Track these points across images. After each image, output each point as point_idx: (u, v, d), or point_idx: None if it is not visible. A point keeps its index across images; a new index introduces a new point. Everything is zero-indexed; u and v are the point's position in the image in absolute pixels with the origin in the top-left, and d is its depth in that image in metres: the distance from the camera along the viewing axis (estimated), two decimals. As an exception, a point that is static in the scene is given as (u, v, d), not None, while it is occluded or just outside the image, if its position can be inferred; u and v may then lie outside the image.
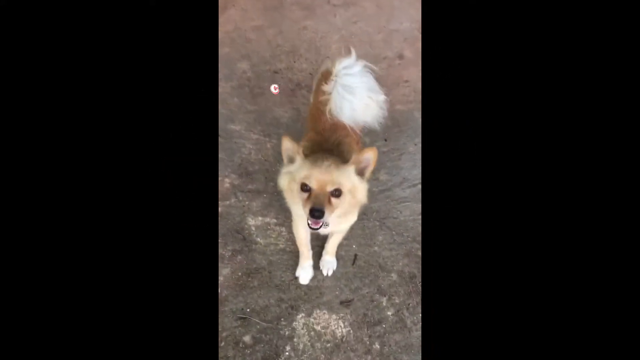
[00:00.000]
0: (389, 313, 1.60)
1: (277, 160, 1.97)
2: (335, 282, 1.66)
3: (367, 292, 1.64)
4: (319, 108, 1.51)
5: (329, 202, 1.16)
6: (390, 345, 1.53)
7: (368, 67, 1.51)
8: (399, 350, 1.52)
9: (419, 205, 1.86)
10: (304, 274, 1.64)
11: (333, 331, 1.56)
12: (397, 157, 2.03)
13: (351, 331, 1.56)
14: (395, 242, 1.77)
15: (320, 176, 1.15)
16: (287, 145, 1.24)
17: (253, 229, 1.78)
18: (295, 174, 1.21)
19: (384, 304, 1.62)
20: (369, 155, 1.18)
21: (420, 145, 2.02)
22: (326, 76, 1.52)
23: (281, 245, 1.75)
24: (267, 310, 1.59)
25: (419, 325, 1.56)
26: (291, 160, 1.25)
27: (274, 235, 1.77)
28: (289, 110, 2.17)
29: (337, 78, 1.47)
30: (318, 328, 1.56)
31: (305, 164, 1.20)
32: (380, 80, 1.56)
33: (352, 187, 1.20)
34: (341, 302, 1.62)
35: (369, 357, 1.51)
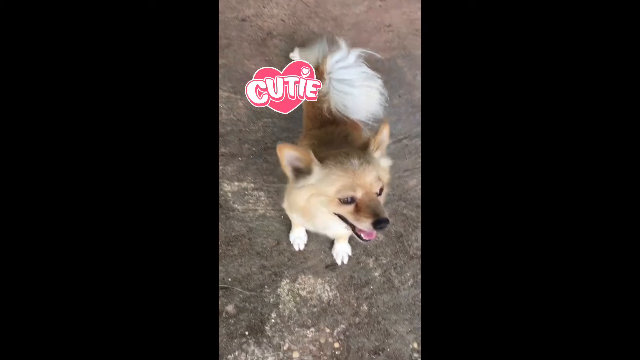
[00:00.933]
0: (376, 274, 1.56)
1: (250, 122, 1.82)
2: (319, 246, 1.60)
3: (352, 255, 1.58)
4: (315, 106, 1.33)
5: None
6: (378, 306, 1.50)
7: (362, 55, 1.35)
8: (387, 311, 1.49)
9: (404, 162, 1.77)
10: (299, 240, 1.55)
11: (319, 295, 1.51)
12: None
13: (338, 294, 1.51)
14: (380, 201, 1.69)
15: (363, 180, 0.96)
16: (292, 154, 1.01)
17: (229, 195, 1.67)
18: (320, 186, 1.00)
19: (371, 265, 1.57)
20: (385, 131, 1.03)
21: (404, 97, 1.89)
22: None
23: (260, 211, 1.65)
24: (249, 278, 1.52)
25: (407, 285, 1.53)
26: (303, 172, 1.03)
27: (252, 201, 1.67)
28: (260, 63, 1.98)
29: (332, 75, 1.31)
30: (304, 293, 1.51)
31: (332, 172, 0.98)
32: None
33: (384, 172, 1.04)
34: (326, 266, 1.56)
35: (357, 319, 1.48)
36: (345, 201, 0.97)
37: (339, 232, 1.18)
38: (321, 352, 1.43)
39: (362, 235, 1.02)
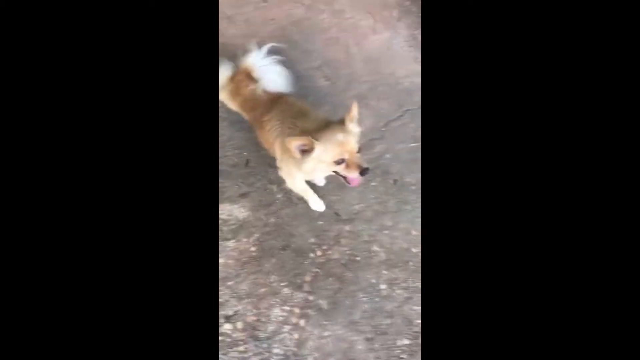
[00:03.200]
0: (279, 196, 2.04)
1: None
2: (233, 181, 2.04)
3: (260, 184, 2.05)
4: (250, 96, 1.87)
5: None
6: (282, 218, 1.98)
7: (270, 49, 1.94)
8: (289, 220, 1.98)
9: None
10: (319, 203, 1.99)
11: (236, 216, 1.95)
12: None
13: (250, 213, 1.97)
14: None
15: (348, 147, 1.45)
16: (298, 143, 1.44)
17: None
18: (322, 156, 1.46)
19: (275, 189, 2.05)
20: (355, 109, 1.51)
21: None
22: (245, 74, 1.88)
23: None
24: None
25: (303, 199, 2.03)
26: (307, 151, 1.47)
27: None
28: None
29: (256, 68, 1.88)
30: (224, 217, 1.94)
31: (327, 146, 1.44)
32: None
33: (358, 137, 1.54)
34: (239, 195, 2.01)
35: (267, 228, 1.95)
36: (339, 162, 1.47)
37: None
38: (241, 256, 1.87)
39: (350, 181, 1.52)
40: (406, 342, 1.74)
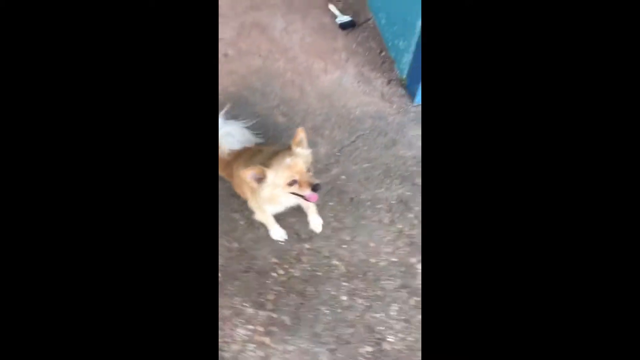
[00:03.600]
0: (242, 222, 2.16)
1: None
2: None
3: (223, 213, 2.18)
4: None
5: None
6: (245, 242, 2.08)
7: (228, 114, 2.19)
8: (252, 244, 2.08)
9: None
10: (280, 232, 2.10)
11: (201, 245, 2.06)
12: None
13: (214, 241, 2.08)
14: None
15: (296, 169, 1.59)
16: (251, 172, 1.58)
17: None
18: (275, 181, 1.59)
19: (237, 217, 2.17)
20: (302, 134, 1.68)
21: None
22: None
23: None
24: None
25: (264, 225, 2.15)
26: (261, 179, 1.61)
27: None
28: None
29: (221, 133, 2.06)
30: (189, 246, 2.04)
31: (278, 172, 1.58)
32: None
33: (308, 157, 1.70)
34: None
35: (231, 254, 2.04)
36: (291, 184, 1.60)
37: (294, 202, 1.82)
38: (206, 281, 1.95)
39: (309, 199, 1.65)
40: (369, 349, 1.77)
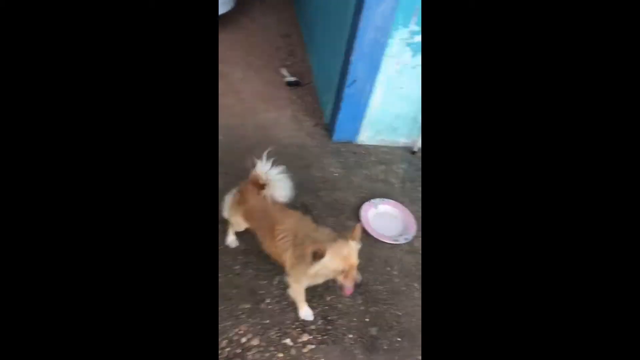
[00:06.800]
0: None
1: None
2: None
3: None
4: (258, 206, 1.98)
5: None
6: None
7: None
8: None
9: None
10: (309, 312, 2.11)
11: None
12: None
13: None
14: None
15: (350, 262, 1.70)
16: (314, 248, 1.64)
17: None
18: (329, 265, 1.67)
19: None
20: (358, 230, 1.75)
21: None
22: (253, 183, 2.01)
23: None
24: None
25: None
26: (318, 257, 1.65)
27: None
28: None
29: (269, 180, 2.01)
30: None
31: (334, 259, 1.67)
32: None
33: (357, 252, 1.76)
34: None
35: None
36: (341, 272, 1.71)
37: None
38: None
39: (346, 291, 1.75)
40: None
